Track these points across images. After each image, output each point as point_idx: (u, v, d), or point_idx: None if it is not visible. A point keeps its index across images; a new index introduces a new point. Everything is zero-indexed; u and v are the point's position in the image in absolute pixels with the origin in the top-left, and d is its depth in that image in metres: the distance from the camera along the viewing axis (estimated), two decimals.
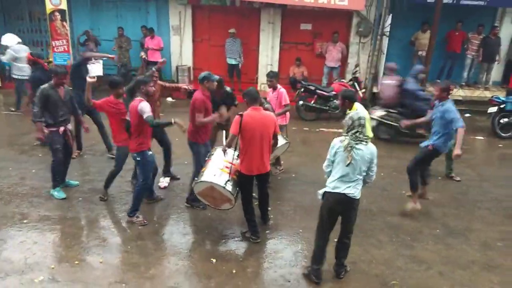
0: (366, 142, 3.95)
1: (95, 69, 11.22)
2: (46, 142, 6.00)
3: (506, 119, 9.09)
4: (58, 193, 5.88)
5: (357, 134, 3.92)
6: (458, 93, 11.13)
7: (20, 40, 10.26)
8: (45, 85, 5.64)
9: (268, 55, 12.11)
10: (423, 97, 8.07)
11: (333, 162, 4.06)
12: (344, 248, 4.34)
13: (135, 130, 5.05)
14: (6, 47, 9.84)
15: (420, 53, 11.09)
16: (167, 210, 5.69)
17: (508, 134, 9.14)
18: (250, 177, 4.79)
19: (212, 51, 12.28)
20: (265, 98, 6.29)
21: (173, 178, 6.49)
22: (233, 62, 11.57)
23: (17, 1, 12.55)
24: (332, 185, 4.04)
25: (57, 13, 11.05)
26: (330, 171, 4.12)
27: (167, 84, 6.43)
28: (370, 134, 5.38)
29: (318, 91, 10.01)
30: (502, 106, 9.03)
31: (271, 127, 4.72)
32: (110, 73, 11.88)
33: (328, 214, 4.15)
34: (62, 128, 5.77)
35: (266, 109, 5.21)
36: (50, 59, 11.70)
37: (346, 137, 3.95)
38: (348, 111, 5.43)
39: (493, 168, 7.73)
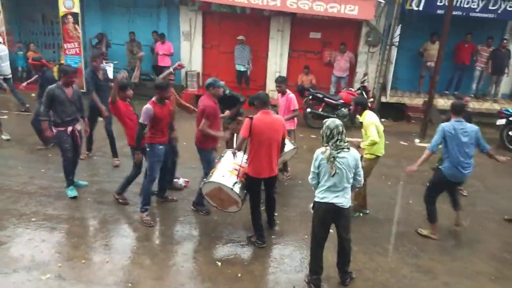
0: (348, 148, 3.92)
1: None
2: (54, 142, 6.07)
3: None
4: (71, 192, 5.94)
5: (337, 142, 3.89)
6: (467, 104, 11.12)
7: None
8: (53, 85, 5.72)
9: (277, 63, 12.18)
10: None
11: (318, 174, 4.04)
12: (345, 254, 4.27)
13: (150, 126, 5.14)
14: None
15: (428, 64, 11.10)
16: (174, 213, 5.73)
17: None
18: (257, 180, 4.83)
19: (221, 57, 12.37)
20: (274, 105, 6.33)
21: (176, 188, 6.34)
22: (242, 68, 11.64)
23: (31, 3, 12.74)
24: (320, 195, 4.04)
25: (69, 16, 11.20)
26: (316, 183, 4.10)
27: (182, 102, 6.30)
28: (377, 139, 5.35)
29: (326, 99, 10.05)
30: (510, 118, 9.00)
31: (280, 131, 4.76)
32: None
33: (319, 224, 4.14)
34: (70, 128, 5.81)
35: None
36: (62, 62, 11.86)
37: (327, 147, 3.91)
38: (358, 117, 5.55)
39: (501, 180, 7.69)
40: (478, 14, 10.56)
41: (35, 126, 7.28)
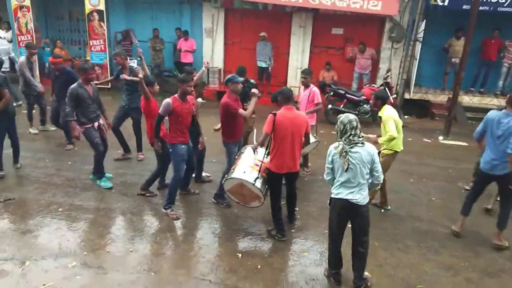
0: (362, 143, 3.81)
1: None
2: (80, 140, 6.20)
3: None
4: (105, 183, 6.13)
5: (351, 137, 3.80)
6: (493, 102, 10.89)
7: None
8: (74, 85, 5.81)
9: (298, 59, 12.15)
10: None
11: (332, 169, 3.99)
12: (359, 258, 4.11)
13: (170, 124, 5.24)
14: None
15: (453, 60, 10.89)
16: (196, 205, 5.82)
17: None
18: (279, 175, 4.85)
19: (243, 54, 12.42)
20: (296, 102, 6.34)
21: (203, 181, 6.45)
22: (263, 65, 11.67)
23: (58, 1, 13.08)
24: (335, 191, 3.98)
25: (95, 14, 11.47)
26: (331, 179, 4.05)
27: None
28: (395, 134, 5.29)
29: (347, 95, 9.99)
30: None
31: (303, 126, 4.77)
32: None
33: (335, 220, 4.08)
34: (96, 124, 6.01)
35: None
36: (88, 58, 12.15)
37: (340, 142, 3.86)
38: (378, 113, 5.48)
39: None
40: (507, 9, 10.26)
41: (64, 126, 7.41)
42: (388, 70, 10.93)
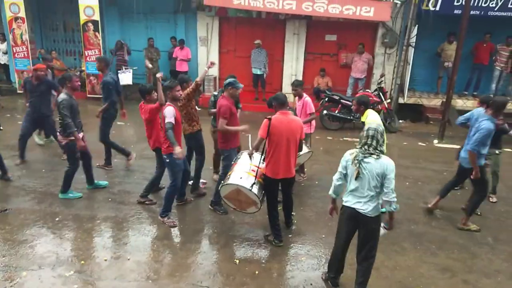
0: (377, 155, 3.70)
1: (126, 79, 11.67)
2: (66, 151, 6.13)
3: None
4: (74, 194, 6.09)
5: (366, 146, 3.72)
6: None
7: None
8: (64, 96, 5.63)
9: (293, 66, 12.24)
10: None
11: (345, 175, 3.93)
12: (362, 271, 4.00)
13: (164, 134, 5.22)
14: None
15: (446, 64, 11.01)
16: (192, 212, 5.83)
17: None
18: (275, 181, 4.87)
19: (237, 61, 12.50)
20: (290, 108, 6.37)
21: (199, 193, 6.35)
22: (258, 72, 11.74)
23: (53, 12, 13.14)
24: (345, 198, 3.95)
25: (90, 24, 11.53)
26: (339, 185, 4.00)
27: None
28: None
29: (342, 100, 10.06)
30: None
31: (298, 131, 4.80)
32: (140, 82, 12.28)
33: (343, 226, 4.06)
34: (81, 135, 5.91)
35: None
36: (83, 68, 12.19)
37: (356, 149, 3.81)
38: (361, 117, 5.52)
39: None
40: (497, 13, 10.42)
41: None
42: (382, 75, 11.03)
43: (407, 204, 6.30)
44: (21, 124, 7.32)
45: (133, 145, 8.41)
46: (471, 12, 9.66)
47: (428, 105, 11.41)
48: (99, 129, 6.94)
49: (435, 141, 9.55)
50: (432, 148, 9.19)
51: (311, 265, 4.71)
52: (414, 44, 10.70)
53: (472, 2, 9.62)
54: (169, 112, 5.09)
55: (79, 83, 5.90)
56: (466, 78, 11.41)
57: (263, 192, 4.97)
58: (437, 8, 10.46)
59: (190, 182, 6.33)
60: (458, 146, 8.99)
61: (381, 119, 10.12)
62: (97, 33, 11.63)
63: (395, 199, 3.71)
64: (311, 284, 4.37)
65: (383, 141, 3.77)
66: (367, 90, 10.83)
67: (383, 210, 3.88)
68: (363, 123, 5.48)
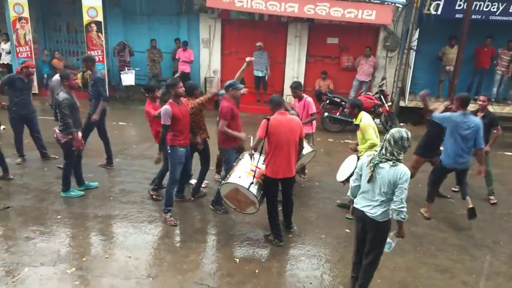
0: (394, 163, 3.60)
1: (128, 79, 11.73)
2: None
3: None
4: (75, 192, 6.12)
5: (383, 151, 3.65)
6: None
7: None
8: (65, 95, 5.65)
9: (294, 68, 12.30)
10: None
11: (361, 176, 3.87)
12: (362, 273, 3.98)
13: (171, 128, 5.25)
14: None
15: (447, 68, 11.04)
16: (193, 212, 5.87)
17: None
18: (275, 180, 4.89)
19: (240, 63, 12.30)
20: (292, 108, 6.41)
21: (200, 196, 6.33)
22: (260, 74, 11.79)
23: (56, 13, 13.22)
24: (356, 200, 3.93)
25: (93, 25, 11.59)
26: (356, 186, 3.92)
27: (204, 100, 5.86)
28: (376, 141, 5.43)
29: (343, 103, 10.09)
30: None
31: (297, 131, 4.83)
32: (142, 83, 12.35)
33: (355, 228, 4.06)
34: (80, 134, 5.93)
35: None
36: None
37: (375, 153, 3.78)
38: (354, 120, 5.63)
39: None
40: (498, 18, 10.47)
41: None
42: (383, 78, 11.08)
43: (407, 206, 6.29)
44: (11, 125, 7.16)
45: (135, 145, 8.46)
46: (473, 16, 9.72)
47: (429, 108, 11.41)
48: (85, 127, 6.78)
49: None
50: None
51: (311, 265, 4.73)
52: (415, 47, 10.75)
53: (473, 6, 9.66)
54: (165, 113, 5.12)
55: (77, 81, 5.92)
56: (467, 82, 11.43)
57: (262, 192, 4.99)
58: (439, 12, 10.52)
59: (193, 181, 6.40)
60: None
61: (382, 122, 10.27)
62: (100, 34, 11.69)
63: (405, 209, 3.61)
64: (310, 283, 4.40)
65: (403, 149, 3.65)
66: (368, 92, 10.88)
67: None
68: (357, 125, 5.56)
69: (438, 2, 10.52)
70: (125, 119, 10.39)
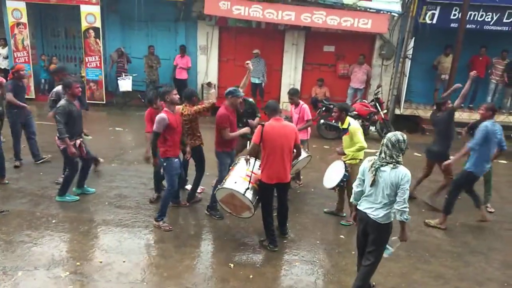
0: (394, 165, 3.70)
1: (125, 85, 11.78)
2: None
3: None
4: (70, 197, 6.12)
5: (383, 155, 3.76)
6: None
7: None
8: (63, 102, 5.70)
9: (291, 76, 12.37)
10: None
11: (364, 181, 3.96)
12: (360, 275, 4.08)
13: (163, 139, 5.27)
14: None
15: (443, 76, 11.14)
16: (189, 217, 5.88)
17: None
18: (270, 186, 4.92)
19: (237, 70, 12.58)
20: (286, 117, 6.47)
21: (195, 201, 6.34)
22: (257, 81, 11.86)
23: (55, 18, 13.27)
24: (360, 202, 4.02)
25: (91, 31, 11.66)
26: (359, 192, 4.01)
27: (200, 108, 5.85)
28: (365, 144, 5.56)
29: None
30: None
31: (292, 137, 4.87)
32: (139, 89, 12.40)
33: (358, 231, 4.13)
34: (78, 141, 5.96)
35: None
36: (83, 74, 12.28)
37: (375, 157, 3.86)
38: (340, 125, 5.76)
39: None
40: (493, 27, 10.61)
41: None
42: (379, 86, 11.15)
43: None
44: (12, 129, 7.18)
45: (131, 151, 8.47)
46: (467, 26, 9.85)
47: (425, 116, 11.49)
48: None
49: None
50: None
51: (305, 270, 4.74)
52: (411, 56, 10.85)
53: (468, 16, 9.80)
54: (159, 121, 5.11)
55: (80, 89, 5.90)
56: (462, 91, 11.50)
57: (257, 197, 5.01)
58: (434, 21, 10.66)
59: (188, 187, 6.41)
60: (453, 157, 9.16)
61: (378, 129, 10.33)
62: (98, 40, 11.75)
63: (407, 210, 3.70)
64: None
65: (401, 151, 3.75)
66: (364, 100, 10.96)
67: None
68: (344, 129, 5.63)
69: (434, 11, 10.66)
70: (121, 124, 10.41)
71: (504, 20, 10.45)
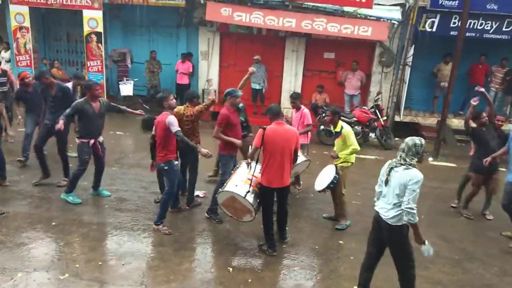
0: (407, 166, 3.80)
1: (126, 90, 11.83)
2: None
3: None
4: (73, 198, 6.14)
5: (398, 157, 3.88)
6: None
7: None
8: (81, 100, 5.98)
9: (291, 82, 12.42)
10: None
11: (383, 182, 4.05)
12: (401, 285, 4.18)
13: (160, 143, 5.34)
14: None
15: (442, 84, 11.19)
16: (187, 221, 5.90)
17: None
18: (270, 189, 4.95)
19: (237, 76, 12.57)
20: (287, 120, 6.51)
21: (195, 205, 6.37)
22: (257, 87, 11.91)
23: (57, 23, 13.35)
24: (376, 202, 4.12)
25: (93, 35, 11.71)
26: (379, 192, 4.09)
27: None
28: (357, 147, 5.63)
29: (341, 115, 10.19)
30: None
31: (294, 141, 4.91)
32: (140, 94, 12.46)
33: (371, 230, 4.20)
34: (92, 141, 6.04)
35: None
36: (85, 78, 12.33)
37: (394, 159, 3.96)
38: (332, 128, 5.84)
39: None
40: (492, 36, 10.67)
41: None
42: (379, 93, 11.19)
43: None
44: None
45: (131, 155, 8.50)
46: (467, 34, 9.89)
47: (424, 123, 11.56)
48: (60, 141, 6.75)
49: (430, 158, 9.65)
50: (427, 166, 9.26)
51: (303, 275, 4.76)
52: (410, 63, 10.91)
53: (467, 24, 9.84)
54: (174, 121, 5.23)
55: (99, 91, 6.07)
56: (462, 98, 11.59)
57: (258, 201, 5.04)
58: (434, 29, 10.72)
59: (200, 193, 6.54)
60: (453, 165, 9.22)
61: (377, 136, 10.36)
62: (100, 45, 11.81)
63: (413, 211, 3.73)
64: None
65: (417, 155, 3.83)
66: (363, 107, 11.00)
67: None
68: (336, 133, 5.68)
69: (434, 19, 10.73)
70: (122, 128, 10.43)
71: (504, 29, 10.51)
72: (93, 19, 11.60)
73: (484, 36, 10.64)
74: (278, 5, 10.94)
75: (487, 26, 10.54)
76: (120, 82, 11.92)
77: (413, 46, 10.74)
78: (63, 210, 5.92)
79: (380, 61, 11.74)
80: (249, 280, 4.57)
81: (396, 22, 10.86)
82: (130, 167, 7.78)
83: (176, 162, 5.46)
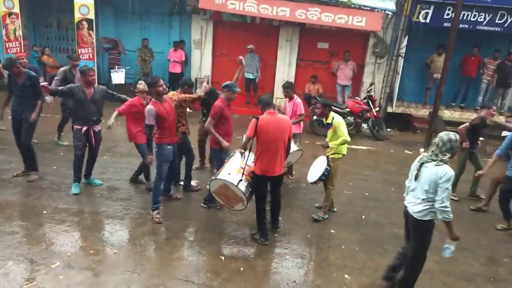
0: (437, 163, 3.77)
1: (118, 78, 11.72)
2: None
3: None
4: (74, 188, 6.12)
5: (431, 151, 3.85)
6: (472, 116, 11.21)
7: None
8: (73, 85, 6.00)
9: (285, 71, 12.40)
10: None
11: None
12: (404, 265, 4.28)
13: (157, 126, 5.32)
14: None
15: (435, 75, 11.24)
16: (180, 210, 5.89)
17: None
18: (263, 178, 4.96)
19: (231, 65, 12.53)
20: (279, 110, 6.49)
21: (192, 190, 6.47)
22: (251, 76, 11.88)
23: (47, 9, 13.15)
24: (406, 196, 4.16)
25: (84, 22, 11.55)
26: (409, 186, 4.10)
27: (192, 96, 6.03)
28: (348, 138, 5.60)
29: (332, 107, 10.19)
30: None
31: (287, 130, 4.92)
32: (132, 82, 12.33)
33: (404, 223, 4.28)
34: (85, 128, 6.01)
35: None
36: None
37: (425, 154, 3.96)
38: (324, 120, 5.80)
39: None
40: (485, 27, 10.71)
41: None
42: (371, 84, 11.22)
43: (391, 208, 6.42)
44: None
45: (123, 143, 8.43)
46: (460, 26, 9.93)
47: (416, 114, 11.63)
48: (26, 131, 6.34)
49: (421, 149, 9.72)
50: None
51: (295, 263, 4.79)
52: (404, 54, 10.93)
53: (461, 15, 9.87)
54: (149, 113, 5.13)
55: (93, 77, 6.06)
56: (454, 90, 11.66)
57: (250, 190, 5.05)
58: (427, 20, 10.74)
59: (181, 182, 6.45)
60: None
61: (370, 127, 10.41)
62: (91, 32, 11.65)
63: (447, 209, 3.74)
64: (294, 281, 4.46)
65: (451, 151, 3.79)
66: (356, 97, 11.02)
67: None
68: (328, 124, 5.69)
69: (427, 10, 10.74)
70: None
71: (497, 21, 10.55)
72: (84, 6, 11.44)
73: (477, 28, 10.68)
74: None
75: (480, 18, 10.58)
76: (111, 70, 11.80)
77: (407, 37, 10.76)
78: (54, 199, 5.88)
79: (373, 51, 11.76)
80: (241, 269, 4.59)
81: (390, 13, 10.84)
82: (121, 156, 7.75)
83: (168, 147, 5.39)
